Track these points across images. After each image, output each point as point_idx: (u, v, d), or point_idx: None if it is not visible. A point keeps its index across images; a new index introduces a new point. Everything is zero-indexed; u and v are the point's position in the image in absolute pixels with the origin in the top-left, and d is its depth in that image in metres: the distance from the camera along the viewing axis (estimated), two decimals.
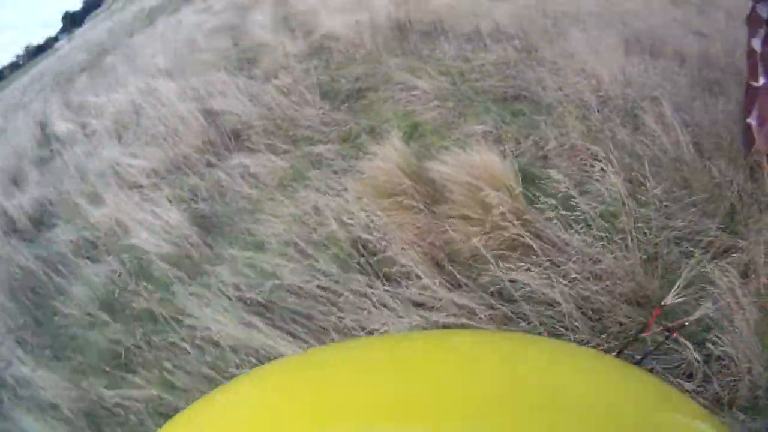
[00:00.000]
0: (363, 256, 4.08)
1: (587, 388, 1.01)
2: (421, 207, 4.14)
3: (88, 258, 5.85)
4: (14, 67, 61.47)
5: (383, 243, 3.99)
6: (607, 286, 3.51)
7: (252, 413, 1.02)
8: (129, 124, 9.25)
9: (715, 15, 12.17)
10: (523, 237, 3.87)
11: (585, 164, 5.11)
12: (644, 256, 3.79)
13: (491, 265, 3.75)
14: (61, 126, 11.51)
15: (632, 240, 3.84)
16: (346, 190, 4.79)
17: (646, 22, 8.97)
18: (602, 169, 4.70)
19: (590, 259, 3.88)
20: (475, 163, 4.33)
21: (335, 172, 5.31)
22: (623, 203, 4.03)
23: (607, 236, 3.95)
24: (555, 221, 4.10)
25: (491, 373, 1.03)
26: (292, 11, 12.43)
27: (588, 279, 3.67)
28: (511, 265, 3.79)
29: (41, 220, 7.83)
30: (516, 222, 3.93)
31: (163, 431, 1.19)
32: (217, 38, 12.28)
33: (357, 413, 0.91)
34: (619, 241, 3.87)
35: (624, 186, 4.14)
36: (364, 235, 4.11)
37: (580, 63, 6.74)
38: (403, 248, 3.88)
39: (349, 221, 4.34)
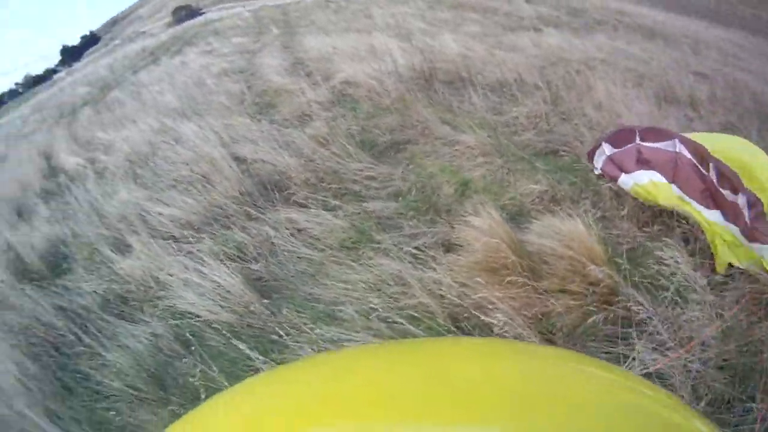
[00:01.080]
0: (461, 330, 3.53)
1: (593, 396, 0.98)
2: (525, 282, 3.55)
3: (120, 316, 4.96)
4: (13, 94, 58.68)
5: (486, 317, 3.36)
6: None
7: (254, 418, 0.97)
8: (145, 164, 8.38)
9: (707, 53, 12.22)
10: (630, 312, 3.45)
11: (647, 225, 4.59)
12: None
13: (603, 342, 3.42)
14: (68, 160, 10.56)
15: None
16: (434, 259, 4.12)
17: (650, 64, 8.75)
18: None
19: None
20: (564, 233, 3.87)
21: (410, 237, 4.59)
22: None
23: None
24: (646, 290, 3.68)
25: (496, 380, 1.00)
26: (304, 57, 11.83)
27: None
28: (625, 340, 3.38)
29: (55, 263, 6.88)
30: (618, 298, 3.55)
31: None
32: (227, 81, 11.54)
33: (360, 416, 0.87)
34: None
35: None
36: (471, 310, 3.50)
37: (613, 114, 6.32)
38: (508, 320, 3.33)
39: (442, 293, 3.69)
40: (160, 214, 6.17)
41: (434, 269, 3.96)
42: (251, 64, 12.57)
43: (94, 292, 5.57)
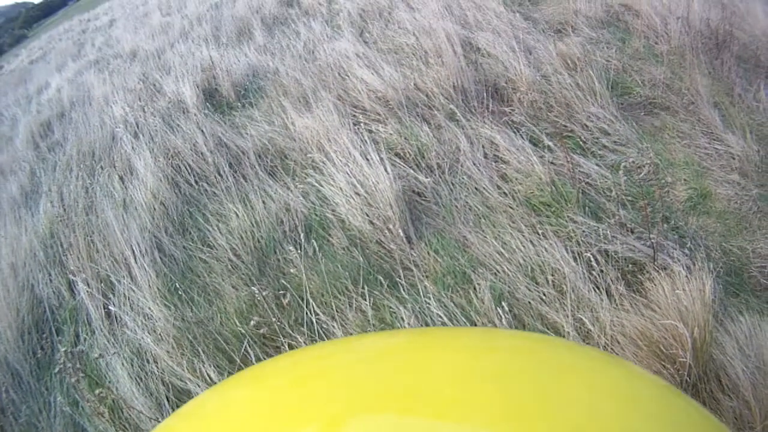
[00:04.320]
0: None
1: (584, 388, 0.93)
2: None
3: (270, 173, 4.84)
4: None
5: None
6: None
7: (251, 410, 0.94)
8: (376, 21, 7.83)
9: None
10: None
11: None
12: None
13: None
14: None
15: None
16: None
17: None
18: None
19: None
20: None
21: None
22: None
23: None
24: None
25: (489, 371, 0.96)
26: None
27: None
28: None
29: (242, 95, 6.97)
30: None
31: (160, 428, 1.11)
32: None
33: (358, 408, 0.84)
34: None
35: None
36: None
37: None
38: None
39: None
40: (361, 79, 5.61)
41: None
42: None
43: (259, 137, 5.41)
